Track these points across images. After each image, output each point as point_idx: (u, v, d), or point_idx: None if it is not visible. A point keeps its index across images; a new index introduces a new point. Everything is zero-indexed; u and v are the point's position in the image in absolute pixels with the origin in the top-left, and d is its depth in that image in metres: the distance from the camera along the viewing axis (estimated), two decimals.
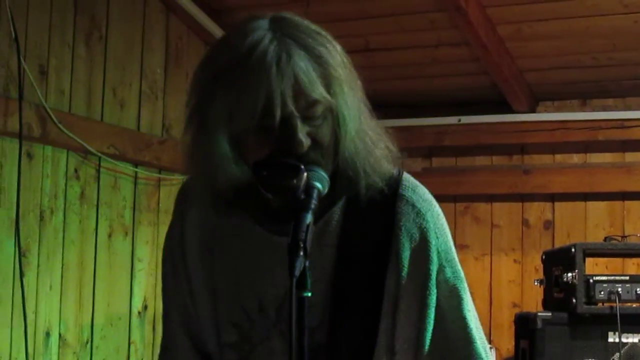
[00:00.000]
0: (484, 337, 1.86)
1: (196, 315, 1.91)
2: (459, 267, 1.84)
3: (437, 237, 1.80)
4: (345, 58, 1.68)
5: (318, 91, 1.57)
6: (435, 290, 1.78)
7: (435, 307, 1.79)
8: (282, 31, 1.60)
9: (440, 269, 1.80)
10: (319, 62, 1.59)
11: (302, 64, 1.56)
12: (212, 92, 1.63)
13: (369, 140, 1.72)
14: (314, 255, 1.67)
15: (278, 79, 1.54)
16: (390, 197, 1.78)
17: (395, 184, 1.79)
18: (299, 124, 1.58)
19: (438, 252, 1.80)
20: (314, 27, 1.66)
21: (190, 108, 1.70)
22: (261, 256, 1.69)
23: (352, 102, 1.66)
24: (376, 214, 1.78)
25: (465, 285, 1.84)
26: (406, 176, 1.82)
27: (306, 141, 1.58)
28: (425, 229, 1.79)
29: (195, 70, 1.70)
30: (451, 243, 1.84)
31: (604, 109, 5.19)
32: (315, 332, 1.74)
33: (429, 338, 1.79)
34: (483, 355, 1.83)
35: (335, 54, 1.64)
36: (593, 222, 5.18)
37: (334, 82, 1.62)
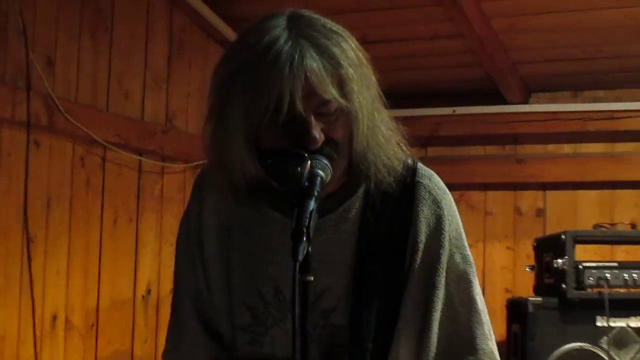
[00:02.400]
0: (489, 320, 1.89)
1: (210, 299, 1.92)
2: (469, 252, 1.87)
3: (450, 224, 1.84)
4: (361, 53, 1.69)
5: (329, 91, 1.59)
6: (444, 274, 1.82)
7: (445, 290, 1.82)
8: (298, 31, 1.61)
9: (451, 254, 1.84)
10: (332, 62, 1.60)
11: (314, 65, 1.57)
12: (230, 88, 1.65)
13: (381, 135, 1.74)
14: (333, 242, 1.78)
15: (289, 79, 1.55)
16: (408, 185, 1.82)
17: (411, 172, 1.83)
18: (313, 121, 1.60)
19: (449, 239, 1.83)
20: (329, 25, 1.67)
21: (210, 103, 1.72)
22: (277, 240, 1.71)
23: (364, 100, 1.67)
24: (394, 201, 1.81)
25: (474, 269, 1.88)
26: (421, 165, 1.86)
27: (320, 137, 1.61)
28: (440, 216, 1.83)
29: (215, 66, 1.72)
30: (462, 229, 1.88)
31: (595, 100, 5.19)
32: (331, 314, 1.79)
33: (436, 319, 1.81)
34: (488, 333, 1.86)
35: (350, 52, 1.65)
36: (583, 211, 5.19)
37: (347, 82, 1.63)
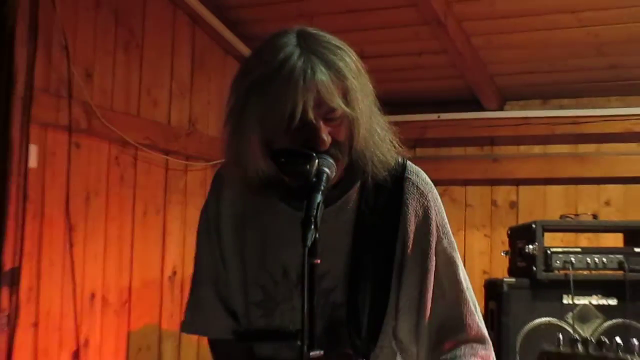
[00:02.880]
0: (474, 297, 1.89)
1: (226, 278, 1.92)
2: (453, 238, 1.88)
3: (436, 214, 1.85)
4: (360, 65, 1.70)
5: (336, 101, 1.60)
6: (434, 258, 1.82)
7: (434, 272, 1.82)
8: (308, 47, 1.62)
9: (439, 240, 1.84)
10: (338, 76, 1.62)
11: (324, 79, 1.59)
12: (248, 98, 1.66)
13: (377, 136, 1.75)
14: (333, 230, 1.76)
15: (303, 91, 1.57)
16: (398, 180, 1.82)
17: (401, 169, 1.84)
18: (322, 126, 1.62)
19: (437, 227, 1.84)
20: (334, 41, 1.68)
21: (229, 109, 1.72)
22: (285, 229, 1.69)
23: (364, 107, 1.68)
24: (386, 194, 1.82)
25: (458, 254, 1.88)
26: (409, 163, 1.86)
27: (328, 139, 1.62)
28: (427, 207, 1.83)
29: (234, 78, 1.73)
30: (446, 219, 1.88)
31: (561, 107, 5.18)
32: (331, 294, 1.80)
33: (429, 298, 1.81)
34: (474, 311, 1.86)
35: (352, 65, 1.67)
36: (551, 203, 5.18)
37: (350, 92, 1.64)
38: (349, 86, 1.64)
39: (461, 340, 1.83)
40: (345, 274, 1.80)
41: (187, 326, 1.99)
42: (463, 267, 1.88)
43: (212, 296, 1.94)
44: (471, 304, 1.87)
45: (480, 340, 1.85)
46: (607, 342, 1.55)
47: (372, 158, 1.75)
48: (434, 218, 1.83)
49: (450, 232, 1.88)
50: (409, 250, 1.81)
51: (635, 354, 1.53)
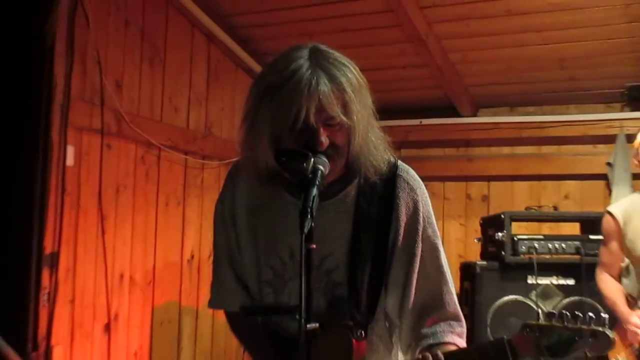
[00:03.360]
0: (451, 278, 1.90)
1: (241, 260, 1.92)
2: (437, 228, 1.88)
3: (424, 207, 1.85)
4: (362, 81, 1.73)
5: (334, 109, 1.63)
6: (420, 244, 1.83)
7: (420, 256, 1.82)
8: (317, 62, 1.65)
9: (425, 229, 1.84)
10: (339, 88, 1.64)
11: (326, 89, 1.62)
12: (261, 101, 1.69)
13: (372, 143, 1.77)
14: (335, 219, 1.80)
15: (307, 99, 1.60)
16: (391, 177, 1.83)
17: (394, 168, 1.84)
18: (321, 130, 1.64)
19: (424, 218, 1.84)
20: (340, 58, 1.71)
21: (246, 112, 1.74)
22: (291, 216, 1.68)
23: (361, 116, 1.70)
24: (381, 189, 1.82)
25: (440, 242, 1.89)
26: (401, 163, 1.87)
27: (325, 141, 1.65)
28: (416, 200, 1.84)
29: (252, 82, 1.75)
30: (432, 211, 1.89)
31: (527, 114, 5.19)
32: (332, 273, 1.80)
33: (415, 278, 1.82)
34: (452, 292, 1.87)
35: (353, 80, 1.69)
36: (517, 197, 5.19)
37: (348, 104, 1.66)
38: (348, 98, 1.66)
39: (441, 317, 1.84)
40: (345, 257, 1.80)
41: (213, 303, 2.01)
42: (444, 253, 1.88)
43: (231, 276, 1.95)
44: (450, 285, 1.88)
45: (457, 318, 1.85)
46: (580, 315, 1.55)
47: (366, 161, 1.77)
48: (421, 210, 1.84)
49: (435, 222, 1.88)
50: (400, 237, 1.81)
51: (605, 325, 1.53)
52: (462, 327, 1.85)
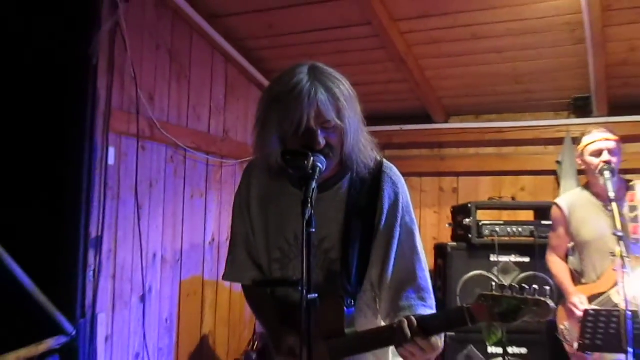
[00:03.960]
0: (425, 258, 1.90)
1: (254, 242, 1.94)
2: (414, 216, 1.90)
3: (403, 198, 1.87)
4: (353, 93, 1.76)
5: (330, 115, 1.67)
6: (399, 230, 1.84)
7: (398, 240, 1.84)
8: (315, 76, 1.68)
9: (403, 216, 1.85)
10: (334, 97, 1.68)
11: (323, 98, 1.65)
12: (270, 110, 1.72)
13: (362, 144, 1.79)
14: (330, 207, 1.82)
15: (307, 106, 1.64)
16: (377, 173, 1.85)
17: (380, 166, 1.87)
18: (319, 132, 1.67)
19: (403, 207, 1.86)
20: (334, 74, 1.74)
21: (257, 117, 1.77)
22: (295, 206, 1.70)
23: (352, 122, 1.73)
24: (369, 183, 1.84)
25: (417, 227, 1.90)
26: (385, 161, 1.90)
27: (322, 142, 1.68)
28: (397, 193, 1.86)
29: (262, 94, 1.78)
30: (410, 202, 1.90)
31: (489, 121, 5.20)
32: (329, 252, 1.82)
33: (393, 257, 1.83)
34: (424, 267, 1.88)
35: (345, 92, 1.72)
36: (482, 189, 5.20)
37: (342, 110, 1.70)
38: (341, 106, 1.69)
39: (414, 289, 1.83)
40: (339, 238, 1.81)
41: (227, 276, 2.03)
42: (419, 237, 1.89)
43: (244, 255, 1.97)
44: (423, 263, 1.88)
45: (427, 290, 1.86)
46: (527, 287, 1.56)
47: (357, 160, 1.79)
48: (401, 201, 1.85)
49: (412, 211, 1.89)
50: (382, 222, 1.82)
51: (547, 296, 1.55)
52: (432, 300, 1.85)
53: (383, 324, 1.88)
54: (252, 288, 1.98)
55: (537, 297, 1.53)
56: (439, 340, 1.64)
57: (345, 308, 1.76)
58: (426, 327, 1.63)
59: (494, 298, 1.56)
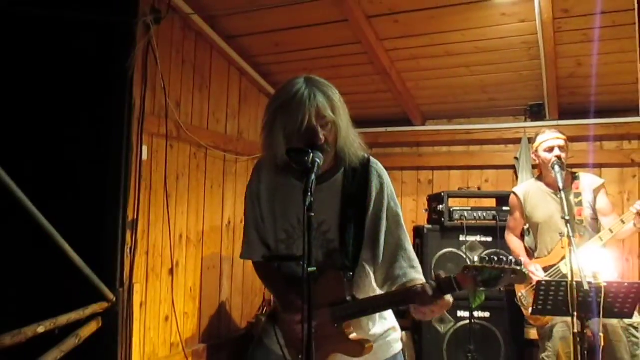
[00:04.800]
0: (409, 239, 1.90)
1: (264, 226, 1.93)
2: (398, 202, 1.89)
3: (387, 188, 1.86)
4: (341, 99, 1.76)
5: (328, 113, 1.67)
6: (386, 214, 1.83)
7: (386, 221, 1.83)
8: (311, 84, 1.70)
9: (389, 203, 1.85)
10: (329, 98, 1.69)
11: (321, 99, 1.67)
12: (275, 115, 1.72)
13: (351, 140, 1.79)
14: (328, 196, 1.81)
15: (309, 107, 1.65)
16: (365, 167, 1.84)
17: (367, 161, 1.86)
18: (319, 129, 1.67)
19: (387, 195, 1.85)
20: (326, 83, 1.75)
21: (264, 122, 1.76)
22: (297, 195, 1.69)
23: (344, 120, 1.73)
24: (359, 175, 1.83)
25: (401, 211, 1.89)
26: (372, 158, 1.88)
27: (322, 138, 1.67)
28: (382, 183, 1.85)
29: (268, 103, 1.77)
30: (394, 190, 1.89)
31: (459, 124, 5.18)
32: (327, 233, 1.81)
33: (383, 236, 1.83)
34: (409, 240, 1.88)
35: (336, 97, 1.73)
36: (453, 181, 5.19)
37: (335, 110, 1.70)
38: (335, 106, 1.69)
39: (404, 259, 1.84)
40: (336, 221, 1.80)
41: (243, 255, 2.03)
42: (403, 221, 1.89)
43: (256, 237, 1.96)
44: (408, 239, 1.88)
45: (415, 260, 1.86)
46: (504, 258, 1.60)
47: (348, 152, 1.78)
48: (386, 190, 1.84)
49: (396, 197, 1.89)
50: (371, 207, 1.81)
51: (521, 266, 1.58)
52: (420, 267, 1.86)
53: (378, 291, 1.89)
54: (261, 263, 1.99)
55: (514, 266, 1.56)
56: (451, 299, 1.65)
57: (345, 280, 1.76)
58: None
59: (476, 268, 1.58)
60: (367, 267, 1.86)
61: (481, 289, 1.58)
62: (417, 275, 1.82)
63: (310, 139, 1.66)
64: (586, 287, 2.59)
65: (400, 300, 1.71)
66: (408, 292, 1.68)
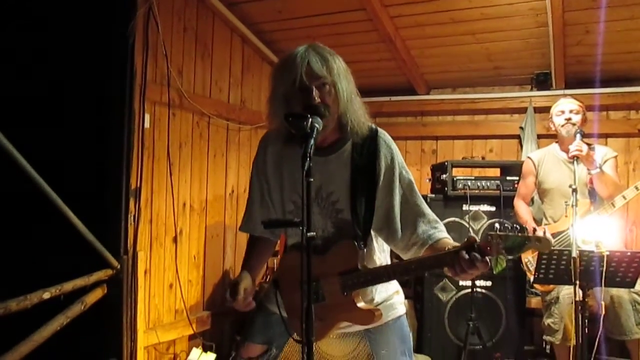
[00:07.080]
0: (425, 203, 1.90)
1: (271, 198, 1.95)
2: (408, 170, 1.89)
3: (397, 157, 1.87)
4: (345, 65, 1.76)
5: (322, 72, 1.68)
6: (398, 181, 1.84)
7: (400, 189, 1.84)
8: (311, 48, 1.71)
9: (400, 171, 1.86)
10: (324, 59, 1.70)
11: (314, 59, 1.67)
12: (274, 80, 1.74)
13: (355, 106, 1.78)
14: (337, 167, 1.81)
15: (301, 66, 1.66)
16: (373, 138, 1.84)
17: (375, 132, 1.86)
18: (314, 89, 1.68)
19: (398, 164, 1.86)
20: (328, 49, 1.75)
21: (270, 91, 1.77)
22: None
23: (344, 85, 1.73)
24: (367, 146, 1.83)
25: (412, 177, 1.89)
26: (379, 128, 1.88)
27: (317, 98, 1.68)
28: (392, 154, 1.85)
29: (272, 71, 1.78)
30: (402, 159, 1.90)
31: (464, 93, 5.14)
32: (336, 203, 1.83)
33: (398, 203, 1.84)
34: (427, 211, 1.87)
35: (338, 62, 1.74)
36: (457, 150, 5.18)
37: (333, 71, 1.70)
38: (332, 68, 1.70)
39: (425, 221, 1.84)
40: (346, 192, 1.81)
41: (242, 228, 2.05)
42: (416, 186, 1.90)
43: (258, 211, 1.98)
44: (425, 204, 1.88)
45: (437, 220, 1.87)
46: (526, 227, 1.61)
47: (351, 119, 1.77)
48: (396, 159, 1.85)
49: (406, 166, 1.90)
50: (381, 178, 1.82)
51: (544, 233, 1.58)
52: (442, 225, 1.86)
53: (388, 260, 1.90)
54: (250, 240, 2.05)
55: (537, 234, 1.56)
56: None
57: (358, 249, 1.77)
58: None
59: (500, 237, 1.57)
60: (377, 238, 1.87)
61: (504, 256, 1.58)
62: (443, 234, 1.83)
63: (304, 99, 1.66)
64: (579, 248, 2.62)
65: (432, 264, 1.68)
66: (445, 256, 1.65)
